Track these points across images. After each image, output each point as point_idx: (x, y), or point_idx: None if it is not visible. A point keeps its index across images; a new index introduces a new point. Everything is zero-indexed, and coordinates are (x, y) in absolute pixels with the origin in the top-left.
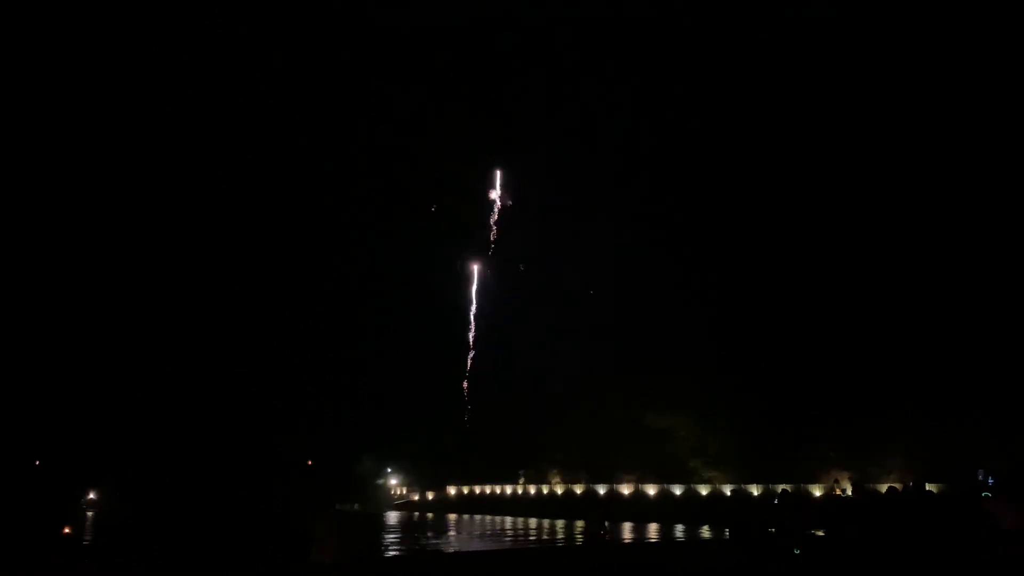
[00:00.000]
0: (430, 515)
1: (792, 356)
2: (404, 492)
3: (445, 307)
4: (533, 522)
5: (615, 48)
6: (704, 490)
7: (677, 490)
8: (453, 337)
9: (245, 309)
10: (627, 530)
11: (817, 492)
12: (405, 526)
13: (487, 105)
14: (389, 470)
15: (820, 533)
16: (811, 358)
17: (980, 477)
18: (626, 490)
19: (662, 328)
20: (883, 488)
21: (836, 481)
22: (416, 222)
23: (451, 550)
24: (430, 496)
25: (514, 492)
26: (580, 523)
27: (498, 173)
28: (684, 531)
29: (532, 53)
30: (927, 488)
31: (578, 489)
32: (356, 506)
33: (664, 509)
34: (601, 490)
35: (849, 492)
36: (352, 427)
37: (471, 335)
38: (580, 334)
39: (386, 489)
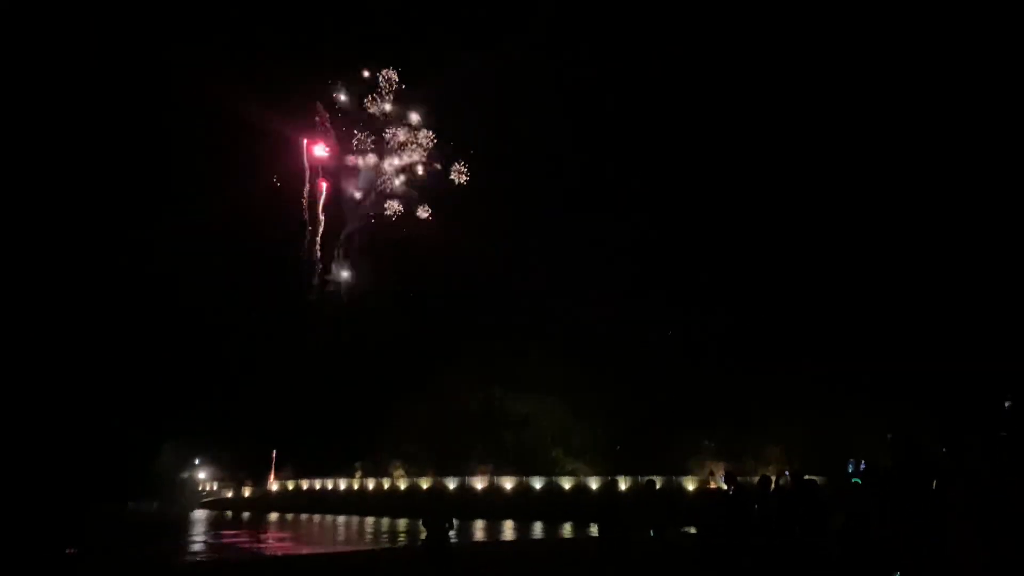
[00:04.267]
0: (246, 514)
1: (665, 337)
2: (215, 488)
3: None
4: (370, 521)
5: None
6: (567, 483)
7: (537, 483)
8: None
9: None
10: (479, 528)
11: (691, 485)
12: (211, 527)
13: None
14: (197, 462)
15: (692, 530)
16: (685, 340)
17: (850, 468)
18: (480, 484)
19: (523, 301)
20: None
21: (711, 473)
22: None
23: (260, 554)
24: (247, 492)
25: (349, 487)
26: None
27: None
28: (544, 529)
29: None
30: (806, 478)
31: (424, 483)
32: (155, 505)
33: (522, 505)
34: (451, 484)
35: (723, 484)
36: (147, 408)
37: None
38: (430, 300)
39: (193, 484)
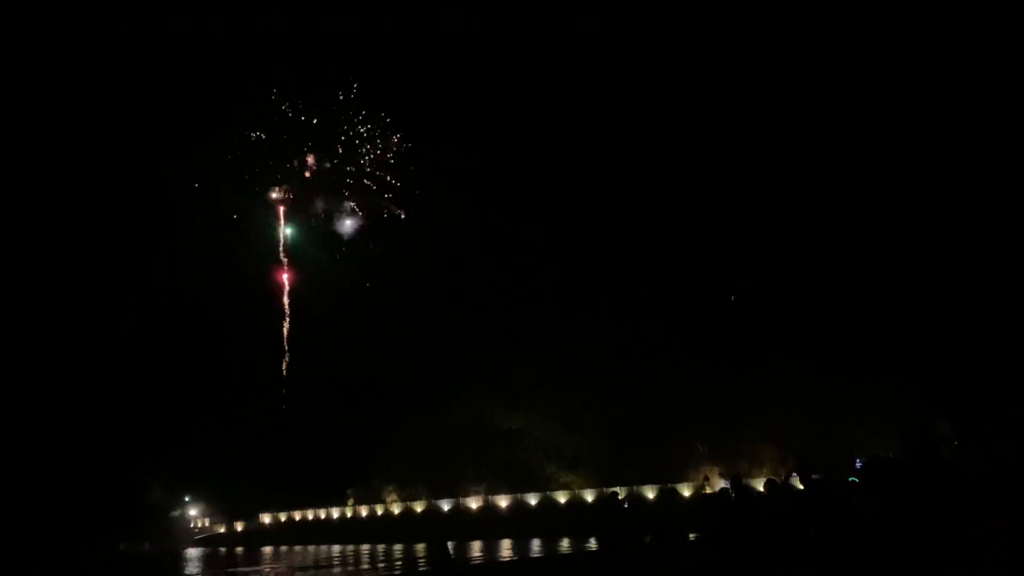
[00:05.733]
0: (240, 549)
1: (653, 344)
2: (207, 524)
3: (250, 307)
4: (366, 548)
5: None
6: (563, 497)
7: (532, 500)
8: (262, 338)
9: None
10: (476, 549)
11: (687, 491)
12: (208, 565)
13: None
14: (187, 499)
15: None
16: (673, 345)
17: (858, 465)
18: (474, 504)
19: (508, 316)
20: (758, 483)
21: (706, 478)
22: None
23: None
24: (239, 527)
25: (342, 516)
26: (421, 546)
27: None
28: (542, 545)
29: None
30: (814, 477)
31: (418, 507)
32: (147, 544)
33: (518, 522)
34: (445, 506)
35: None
36: (136, 448)
37: (285, 332)
38: (413, 326)
39: (184, 522)
